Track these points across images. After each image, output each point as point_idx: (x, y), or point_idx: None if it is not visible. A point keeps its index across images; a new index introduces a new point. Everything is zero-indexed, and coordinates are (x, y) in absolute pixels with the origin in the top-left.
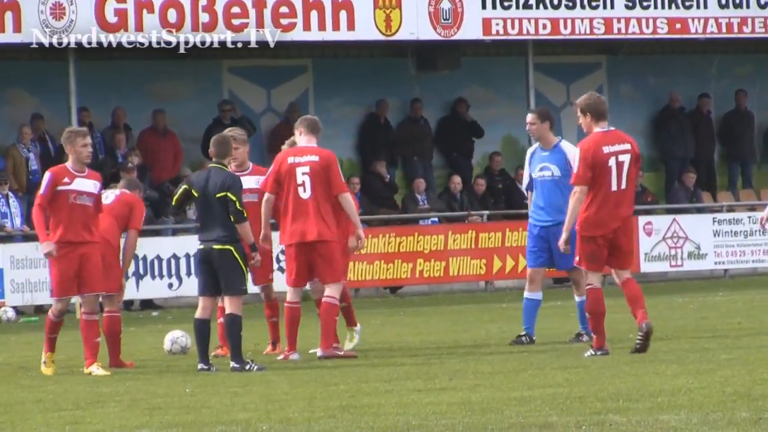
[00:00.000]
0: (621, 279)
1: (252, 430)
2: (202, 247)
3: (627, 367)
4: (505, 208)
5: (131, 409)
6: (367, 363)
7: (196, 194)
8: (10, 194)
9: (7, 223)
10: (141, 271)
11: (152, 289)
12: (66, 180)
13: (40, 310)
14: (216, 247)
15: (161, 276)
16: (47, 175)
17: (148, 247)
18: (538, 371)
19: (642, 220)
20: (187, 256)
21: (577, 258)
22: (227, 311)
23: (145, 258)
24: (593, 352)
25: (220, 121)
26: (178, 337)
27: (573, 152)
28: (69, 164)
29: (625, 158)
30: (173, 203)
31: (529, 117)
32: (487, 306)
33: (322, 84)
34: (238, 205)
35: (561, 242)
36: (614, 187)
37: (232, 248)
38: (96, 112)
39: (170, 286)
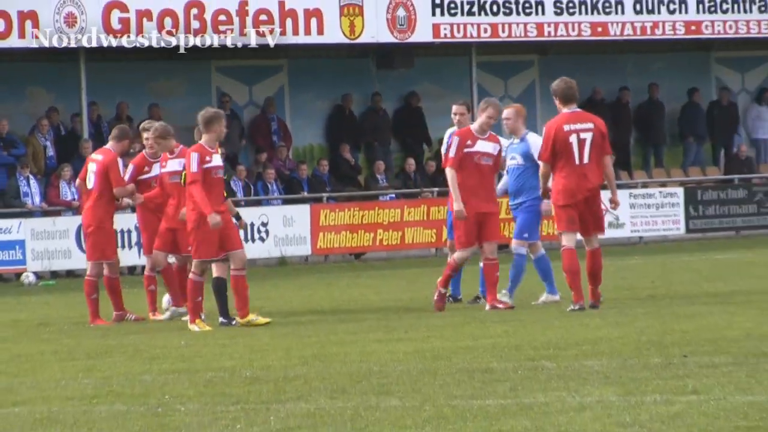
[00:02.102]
0: (590, 247)
1: (237, 375)
2: None
3: (557, 321)
4: None
5: (134, 358)
6: (335, 318)
7: None
8: (31, 176)
9: (28, 201)
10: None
11: None
12: (208, 159)
13: (56, 275)
14: None
15: None
16: (194, 155)
17: None
18: (480, 324)
19: None
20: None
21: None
22: (214, 275)
23: None
24: (573, 307)
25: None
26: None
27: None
28: (205, 143)
29: (587, 136)
30: (182, 183)
31: (456, 108)
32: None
33: (296, 81)
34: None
35: (543, 207)
36: (577, 161)
37: None
38: (103, 106)
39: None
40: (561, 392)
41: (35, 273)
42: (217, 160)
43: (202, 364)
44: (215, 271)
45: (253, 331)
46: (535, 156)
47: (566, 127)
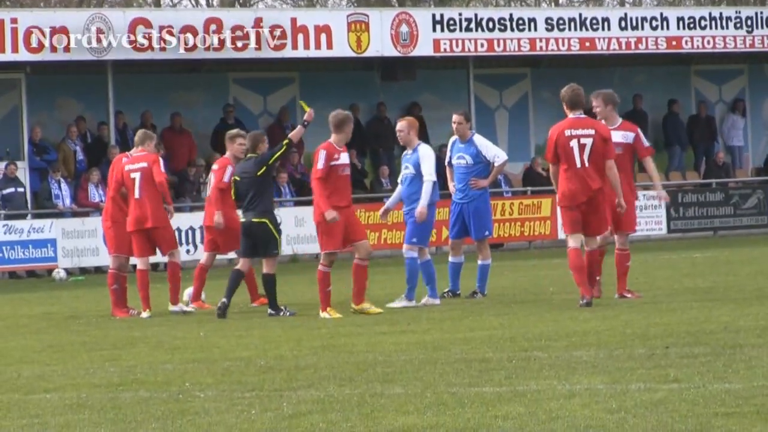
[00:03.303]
0: (589, 247)
1: (252, 364)
2: (243, 220)
3: (548, 314)
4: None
5: (157, 348)
6: (343, 311)
7: (237, 178)
8: (62, 180)
9: (59, 203)
10: None
11: None
12: (336, 156)
13: (85, 271)
14: (254, 220)
15: (180, 243)
16: (322, 152)
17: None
18: (477, 317)
19: None
20: (201, 227)
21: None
22: (264, 271)
23: None
24: (582, 302)
25: (225, 121)
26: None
27: (484, 144)
28: (334, 142)
29: (588, 141)
30: (234, 198)
31: (456, 117)
32: (437, 266)
33: (307, 91)
34: (280, 153)
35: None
36: (578, 164)
37: (267, 220)
38: (128, 115)
39: (188, 251)
40: (552, 380)
41: (66, 269)
42: (344, 158)
43: (220, 354)
44: (241, 264)
45: (267, 322)
46: (422, 167)
47: (567, 132)
